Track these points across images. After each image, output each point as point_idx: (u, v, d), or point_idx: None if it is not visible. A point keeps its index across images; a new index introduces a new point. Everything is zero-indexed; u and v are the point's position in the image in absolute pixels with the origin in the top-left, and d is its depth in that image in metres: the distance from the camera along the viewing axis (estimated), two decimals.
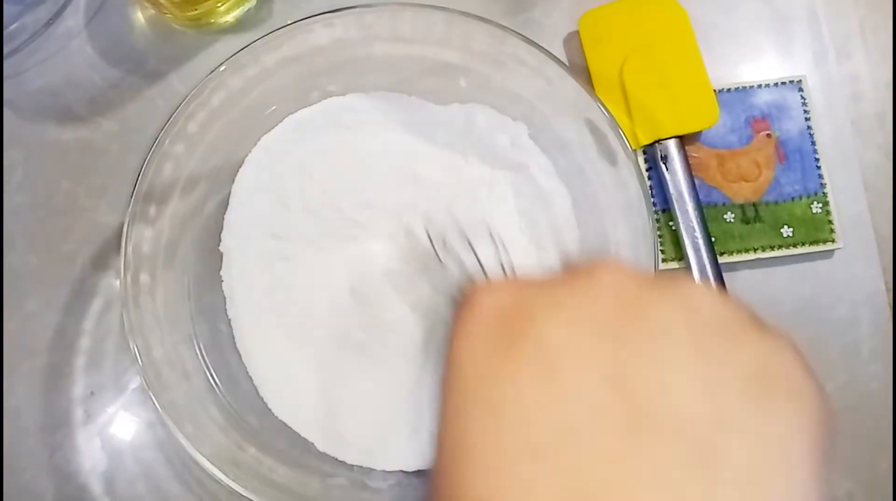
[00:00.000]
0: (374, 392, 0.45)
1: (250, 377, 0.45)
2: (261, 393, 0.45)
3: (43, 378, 0.47)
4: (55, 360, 0.48)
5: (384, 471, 0.45)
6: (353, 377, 0.45)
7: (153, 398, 0.40)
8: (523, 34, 0.45)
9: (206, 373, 0.44)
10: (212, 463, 0.39)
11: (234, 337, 0.46)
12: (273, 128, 0.48)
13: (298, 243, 0.46)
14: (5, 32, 0.50)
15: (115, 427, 0.47)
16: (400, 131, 0.48)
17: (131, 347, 0.40)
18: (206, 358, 0.45)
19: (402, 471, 0.45)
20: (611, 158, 0.45)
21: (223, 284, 0.46)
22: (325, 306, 0.46)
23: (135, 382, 0.47)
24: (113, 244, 0.49)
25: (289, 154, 0.47)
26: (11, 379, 0.47)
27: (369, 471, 0.44)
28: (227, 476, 0.39)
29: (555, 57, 0.44)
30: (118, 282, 0.41)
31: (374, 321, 0.45)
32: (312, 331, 0.45)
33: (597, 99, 0.44)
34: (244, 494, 0.39)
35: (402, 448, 0.45)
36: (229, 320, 0.46)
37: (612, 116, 0.44)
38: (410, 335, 0.45)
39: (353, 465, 0.44)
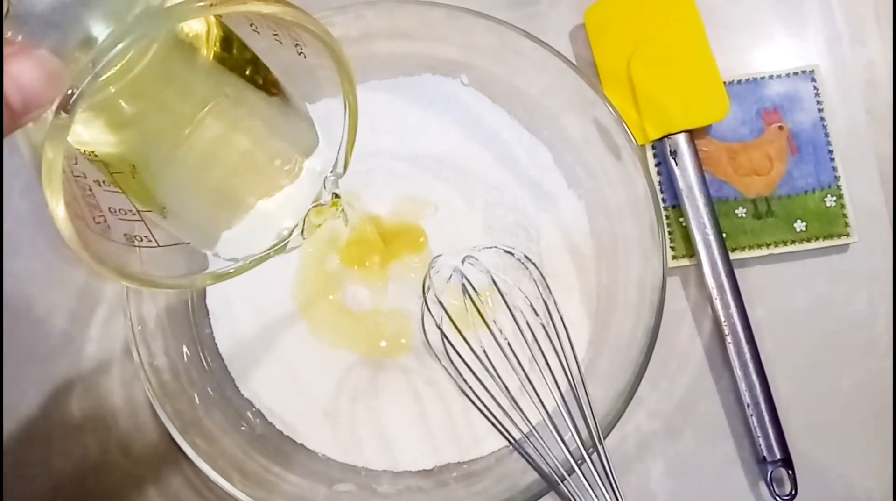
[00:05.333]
0: (379, 394, 0.45)
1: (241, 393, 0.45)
2: (256, 405, 0.45)
3: (51, 385, 0.47)
4: (63, 366, 0.47)
5: (392, 474, 0.44)
6: (357, 382, 0.45)
7: (157, 408, 0.40)
8: (528, 27, 0.44)
9: (210, 380, 0.44)
10: (217, 473, 0.39)
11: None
12: None
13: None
14: None
15: (124, 433, 0.47)
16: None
17: (134, 357, 0.40)
18: (210, 365, 0.45)
19: (409, 473, 0.44)
20: (616, 154, 0.44)
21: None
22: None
23: (143, 387, 0.47)
24: None
25: None
26: (21, 385, 0.47)
27: (377, 476, 0.44)
28: (233, 485, 0.39)
29: (558, 52, 0.43)
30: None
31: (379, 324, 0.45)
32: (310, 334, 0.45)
33: (602, 95, 0.43)
34: None
35: (410, 449, 0.44)
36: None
37: (617, 112, 0.43)
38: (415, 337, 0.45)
39: (360, 469, 0.44)
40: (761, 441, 0.45)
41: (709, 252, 0.47)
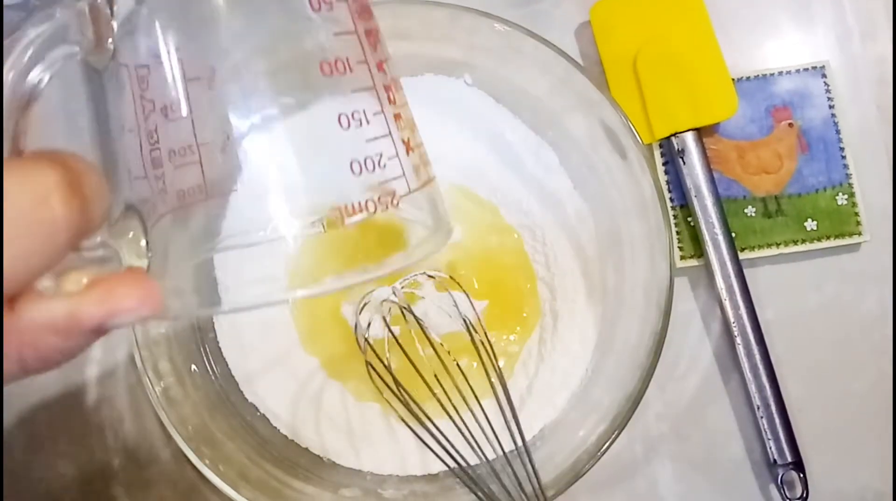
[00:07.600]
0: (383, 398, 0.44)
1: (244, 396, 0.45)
2: (261, 410, 0.44)
3: (56, 389, 0.47)
4: (68, 371, 0.47)
5: (398, 479, 0.44)
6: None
7: (161, 414, 0.39)
8: (532, 26, 0.43)
9: (214, 385, 0.44)
10: (222, 479, 0.39)
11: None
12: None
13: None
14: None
15: (130, 436, 0.47)
16: None
17: (137, 362, 0.40)
18: (214, 370, 0.44)
19: (414, 478, 0.44)
20: (623, 155, 0.43)
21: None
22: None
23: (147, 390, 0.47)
24: None
25: None
26: (26, 390, 0.47)
27: (383, 481, 0.44)
28: (237, 491, 0.39)
29: (563, 52, 0.43)
30: None
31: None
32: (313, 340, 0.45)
33: (607, 95, 0.43)
34: None
35: (415, 453, 0.44)
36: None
37: (623, 112, 0.42)
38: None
39: (366, 474, 0.44)
40: (772, 443, 0.45)
41: (718, 252, 0.46)
